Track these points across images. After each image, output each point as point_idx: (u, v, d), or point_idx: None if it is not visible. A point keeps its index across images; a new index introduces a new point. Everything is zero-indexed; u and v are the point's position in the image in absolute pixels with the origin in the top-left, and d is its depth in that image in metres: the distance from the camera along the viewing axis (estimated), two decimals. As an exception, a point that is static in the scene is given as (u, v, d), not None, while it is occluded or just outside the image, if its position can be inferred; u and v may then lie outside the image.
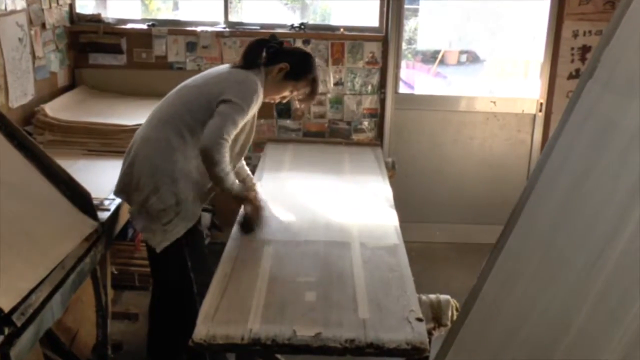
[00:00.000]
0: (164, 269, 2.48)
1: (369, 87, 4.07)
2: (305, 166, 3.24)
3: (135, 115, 3.32)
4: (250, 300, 1.92)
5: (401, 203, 2.99)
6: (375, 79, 4.05)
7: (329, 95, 4.08)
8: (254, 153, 3.99)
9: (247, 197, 2.39)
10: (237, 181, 2.34)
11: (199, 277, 2.45)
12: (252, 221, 2.41)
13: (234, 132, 2.28)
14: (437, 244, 4.25)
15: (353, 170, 3.21)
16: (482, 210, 4.27)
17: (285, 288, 2.01)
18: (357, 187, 2.94)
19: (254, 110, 2.38)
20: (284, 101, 2.60)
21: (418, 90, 4.51)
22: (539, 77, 4.15)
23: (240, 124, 2.31)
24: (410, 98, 4.25)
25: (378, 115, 4.13)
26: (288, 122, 4.13)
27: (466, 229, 4.29)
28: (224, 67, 2.50)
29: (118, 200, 2.53)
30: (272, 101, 2.58)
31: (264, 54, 2.46)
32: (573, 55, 4.02)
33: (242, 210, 2.45)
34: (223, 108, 2.26)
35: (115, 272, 3.27)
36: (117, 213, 2.52)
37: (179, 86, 2.50)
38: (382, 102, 4.10)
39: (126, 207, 2.55)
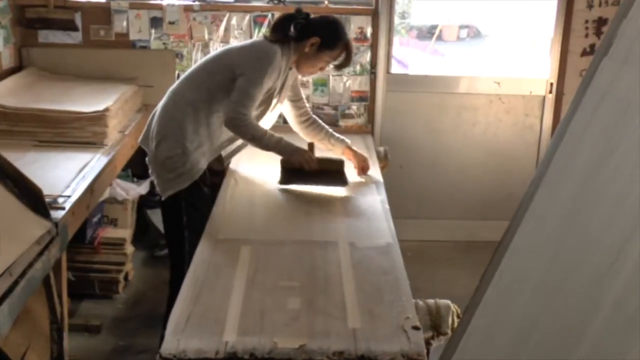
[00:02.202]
0: (164, 219, 2.86)
1: (358, 67, 4.07)
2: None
3: (92, 100, 3.29)
4: (225, 309, 1.91)
5: (395, 197, 2.99)
6: (364, 58, 4.05)
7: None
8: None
9: (295, 150, 2.75)
10: (274, 137, 2.71)
11: (192, 237, 2.62)
12: (291, 169, 2.75)
13: (254, 104, 2.68)
14: (436, 242, 4.27)
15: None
16: (486, 204, 4.29)
17: (265, 294, 2.01)
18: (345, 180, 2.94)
19: (271, 80, 2.72)
20: (323, 71, 2.99)
21: (413, 70, 4.52)
22: (548, 54, 4.17)
23: (259, 95, 2.68)
24: (404, 79, 4.25)
25: (368, 99, 4.12)
26: (267, 107, 4.12)
27: (469, 226, 4.31)
28: (257, 38, 2.96)
29: (74, 197, 2.52)
30: (311, 74, 3.19)
31: (292, 29, 2.76)
32: (587, 29, 4.04)
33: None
34: (239, 82, 2.66)
35: (72, 279, 3.25)
36: (74, 211, 2.50)
37: (219, 49, 3.13)
38: (373, 83, 4.10)
39: (83, 205, 2.60)
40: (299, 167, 2.75)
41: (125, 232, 3.62)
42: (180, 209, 2.73)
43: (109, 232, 3.58)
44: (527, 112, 4.24)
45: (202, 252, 2.25)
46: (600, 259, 1.29)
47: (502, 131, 4.26)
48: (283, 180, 2.82)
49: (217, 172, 2.92)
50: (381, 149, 3.56)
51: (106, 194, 3.52)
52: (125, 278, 3.60)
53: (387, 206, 2.67)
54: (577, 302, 1.33)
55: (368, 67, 4.07)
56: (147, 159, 2.83)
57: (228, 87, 2.69)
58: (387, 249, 2.31)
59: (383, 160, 3.46)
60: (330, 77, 4.06)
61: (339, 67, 2.92)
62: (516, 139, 4.27)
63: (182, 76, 2.88)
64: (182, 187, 2.69)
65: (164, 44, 3.96)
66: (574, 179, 1.50)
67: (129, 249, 3.60)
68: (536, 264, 1.51)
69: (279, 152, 2.76)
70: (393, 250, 2.30)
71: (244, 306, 1.93)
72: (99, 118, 3.16)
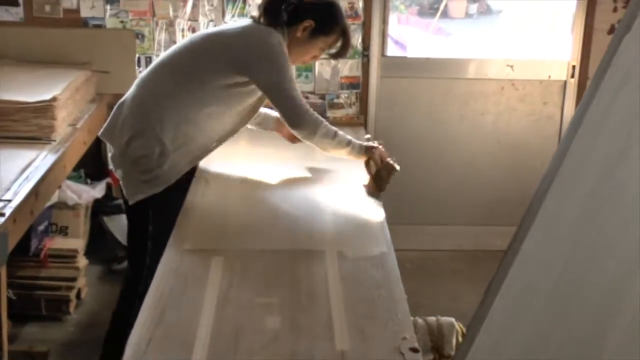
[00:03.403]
0: (129, 226, 2.93)
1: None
2: (265, 154, 3.25)
3: (37, 88, 3.30)
4: (194, 329, 1.93)
5: (391, 199, 3.02)
6: (355, 38, 4.08)
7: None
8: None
9: (369, 154, 2.83)
10: (350, 140, 2.79)
11: (156, 249, 2.63)
12: (380, 180, 2.80)
13: (298, 91, 2.72)
14: (438, 252, 4.31)
15: (328, 158, 3.22)
16: (497, 208, 4.34)
17: (239, 312, 2.03)
18: (333, 180, 2.97)
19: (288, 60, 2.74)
20: (316, 60, 3.06)
21: (412, 53, 4.55)
22: (570, 32, 4.21)
23: (292, 78, 2.73)
24: (403, 62, 4.29)
25: (360, 86, 4.16)
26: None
27: (477, 232, 4.36)
28: (245, 21, 2.88)
29: (16, 202, 2.53)
30: (303, 63, 3.15)
31: (283, 11, 2.76)
32: (615, 2, 4.08)
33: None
34: (267, 85, 2.69)
35: (14, 298, 3.25)
36: (15, 218, 2.52)
37: (196, 33, 3.03)
38: (366, 68, 4.13)
39: (26, 211, 2.61)
40: (379, 165, 2.82)
41: (77, 243, 3.63)
42: (147, 217, 2.74)
43: (58, 243, 3.59)
44: (546, 99, 4.29)
45: (166, 265, 2.27)
46: (619, 263, 1.32)
47: (516, 122, 4.30)
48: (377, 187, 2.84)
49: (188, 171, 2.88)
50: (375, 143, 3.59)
51: (54, 198, 3.53)
52: (78, 296, 3.61)
53: (381, 210, 2.70)
54: (595, 312, 1.36)
55: (360, 49, 4.10)
56: (110, 155, 2.87)
57: (229, 83, 2.70)
58: (381, 259, 2.33)
59: (377, 156, 3.48)
60: (317, 61, 4.08)
61: (335, 56, 2.96)
62: (532, 131, 4.31)
63: (156, 62, 2.85)
64: (155, 192, 2.70)
65: (122, 22, 3.97)
66: (590, 174, 1.53)
67: (82, 262, 3.62)
68: (548, 272, 1.54)
69: (357, 151, 2.84)
70: (388, 261, 2.32)
71: (216, 326, 1.95)
72: (44, 109, 3.17)
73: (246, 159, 3.19)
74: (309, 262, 2.31)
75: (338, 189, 2.89)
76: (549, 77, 4.25)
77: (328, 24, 2.81)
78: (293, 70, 2.82)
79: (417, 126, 4.28)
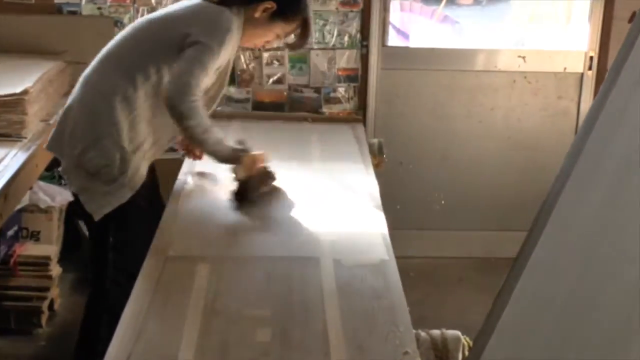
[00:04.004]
0: (90, 237, 2.90)
1: (346, 39, 4.11)
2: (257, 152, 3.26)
3: (7, 81, 3.29)
4: (177, 345, 1.93)
5: (392, 202, 3.03)
6: (353, 27, 4.09)
7: (288, 51, 4.10)
8: (182, 134, 4.02)
9: (240, 157, 2.71)
10: (221, 140, 2.67)
11: (119, 260, 2.70)
12: (249, 188, 2.71)
13: (205, 79, 2.60)
14: (444, 259, 4.32)
15: (324, 157, 3.24)
16: (508, 212, 4.35)
17: (227, 324, 2.03)
18: (329, 180, 2.98)
19: (227, 52, 2.70)
20: (268, 46, 3.00)
21: (416, 42, 4.55)
22: (587, 20, 4.23)
23: (212, 68, 2.63)
24: (405, 53, 4.30)
25: (359, 79, 4.17)
26: (232, 90, 4.15)
27: (486, 238, 4.37)
28: (194, 0, 2.79)
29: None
30: (255, 47, 3.10)
31: None
32: (638, -13, 4.10)
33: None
34: (189, 52, 2.59)
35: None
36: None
37: (138, 20, 2.93)
38: (365, 59, 4.14)
39: None
40: (250, 172, 2.74)
41: (50, 249, 3.63)
42: (107, 229, 2.74)
43: (29, 249, 3.60)
44: (560, 93, 4.30)
45: (147, 273, 2.27)
46: (638, 270, 1.33)
47: (529, 118, 4.32)
48: (241, 199, 2.76)
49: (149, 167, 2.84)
50: (375, 141, 3.60)
51: (25, 200, 3.53)
52: (50, 307, 3.62)
53: (382, 213, 2.71)
54: (612, 322, 1.37)
55: (358, 38, 4.11)
56: (61, 169, 2.77)
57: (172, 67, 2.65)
58: (381, 267, 2.33)
59: (377, 155, 3.49)
60: (312, 52, 4.10)
61: (290, 47, 2.94)
62: (546, 128, 4.33)
63: (98, 57, 2.78)
64: (122, 202, 2.66)
65: (99, 8, 3.98)
66: (606, 176, 1.54)
67: (55, 270, 3.62)
68: (561, 281, 1.55)
69: (225, 160, 2.71)
70: (389, 269, 2.33)
71: (201, 340, 1.95)
72: (15, 103, 3.17)
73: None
74: (302, 270, 2.31)
75: (334, 191, 2.90)
76: (565, 69, 4.27)
77: (290, 10, 2.77)
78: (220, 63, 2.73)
79: (420, 122, 4.29)
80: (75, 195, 2.75)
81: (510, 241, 4.04)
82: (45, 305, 3.54)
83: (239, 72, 4.11)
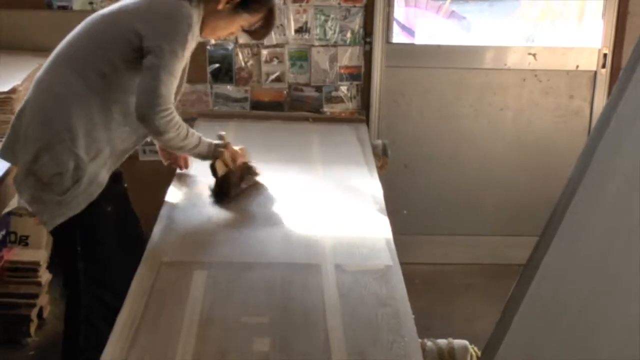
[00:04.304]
0: (55, 250, 2.85)
1: (348, 35, 4.12)
2: (255, 154, 3.26)
3: (-5, 79, 3.31)
4: (173, 351, 1.94)
5: (397, 206, 3.04)
6: (356, 23, 4.10)
7: (288, 48, 4.11)
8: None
9: (220, 152, 2.75)
10: (199, 140, 2.70)
11: (90, 270, 2.66)
12: (228, 185, 2.75)
13: (174, 84, 2.57)
14: (451, 265, 4.32)
15: (325, 159, 3.25)
16: (518, 216, 4.35)
17: (224, 333, 2.04)
18: (331, 184, 2.99)
19: (190, 50, 2.67)
20: (231, 37, 2.96)
21: (422, 39, 4.56)
22: (601, 15, 4.23)
23: (179, 72, 2.60)
24: (410, 51, 4.30)
25: (362, 77, 4.17)
26: (229, 89, 4.15)
27: (495, 244, 4.37)
28: None
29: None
30: (217, 39, 3.05)
31: None
32: (653, -18, 4.10)
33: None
34: (151, 61, 2.53)
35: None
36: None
37: (91, 15, 2.79)
38: (368, 56, 4.15)
39: None
40: (230, 167, 2.80)
41: (39, 254, 3.63)
42: (73, 238, 2.69)
43: (18, 254, 3.60)
44: (573, 92, 4.30)
45: (141, 280, 2.28)
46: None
47: (539, 118, 4.32)
48: (221, 196, 2.81)
49: (115, 175, 2.81)
50: (379, 142, 3.60)
51: (13, 204, 3.53)
52: (39, 316, 3.62)
53: (386, 218, 2.72)
54: (631, 332, 1.37)
55: (361, 35, 4.12)
56: (15, 175, 2.71)
57: (130, 64, 2.60)
58: (385, 274, 2.34)
59: (381, 157, 3.49)
60: (313, 49, 4.11)
61: (252, 34, 2.91)
62: (558, 129, 4.33)
63: (51, 57, 2.71)
64: (76, 212, 2.61)
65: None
66: (621, 178, 1.54)
67: (45, 276, 3.62)
68: (574, 287, 1.55)
69: (204, 152, 2.74)
70: (393, 275, 2.33)
71: (197, 349, 1.96)
72: (2, 102, 3.19)
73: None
74: (303, 276, 2.32)
75: (336, 194, 2.91)
76: (577, 67, 4.27)
77: (255, 1, 2.75)
78: (185, 63, 2.69)
79: (426, 123, 4.29)
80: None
81: (519, 247, 4.04)
82: (34, 313, 3.54)
83: (236, 70, 4.11)
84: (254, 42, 3.93)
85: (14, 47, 3.78)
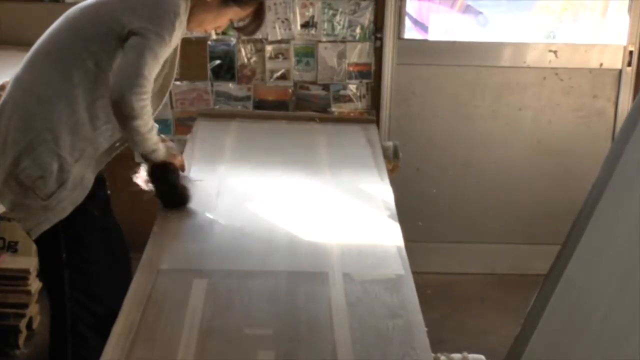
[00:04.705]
0: (39, 257, 2.80)
1: (357, 31, 4.12)
2: (258, 156, 3.27)
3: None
4: (170, 365, 1.95)
5: (408, 212, 3.03)
6: (366, 17, 4.10)
7: (294, 44, 4.12)
8: (175, 135, 4.02)
9: (172, 158, 2.74)
10: (160, 141, 2.65)
11: (76, 277, 2.64)
12: (186, 190, 2.75)
13: (156, 70, 2.54)
14: (466, 275, 4.32)
15: (333, 162, 3.24)
16: (537, 224, 4.36)
17: (226, 345, 2.03)
18: (338, 188, 2.99)
19: (177, 38, 2.64)
20: (219, 30, 3.02)
21: (435, 35, 4.56)
22: (627, 10, 4.23)
23: (163, 58, 2.57)
24: (423, 47, 4.30)
25: (372, 75, 4.18)
26: (231, 87, 4.16)
27: (513, 252, 4.38)
28: None
29: None
30: (204, 32, 3.00)
31: None
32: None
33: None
34: (136, 40, 2.52)
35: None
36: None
37: (71, 9, 2.75)
38: (378, 53, 4.15)
39: None
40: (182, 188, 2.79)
41: (28, 261, 3.63)
42: (57, 244, 2.67)
43: (6, 262, 3.61)
44: (596, 92, 4.30)
45: (137, 289, 2.27)
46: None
47: (561, 120, 4.32)
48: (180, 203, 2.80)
49: (98, 180, 2.77)
50: (390, 144, 3.60)
51: (1, 208, 3.54)
52: (29, 326, 3.62)
53: (397, 224, 2.71)
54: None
55: (371, 30, 4.12)
56: None
57: (114, 57, 2.58)
58: (396, 283, 2.34)
59: (392, 160, 3.49)
60: (320, 45, 4.11)
61: (243, 32, 2.94)
62: (580, 130, 4.33)
63: (30, 54, 2.69)
64: (62, 217, 2.61)
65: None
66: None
67: (35, 284, 3.62)
68: (599, 299, 1.55)
69: (158, 153, 2.68)
70: (405, 285, 2.33)
71: (197, 361, 1.97)
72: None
73: (233, 161, 3.20)
74: (309, 285, 2.32)
75: (344, 199, 2.91)
76: (601, 65, 4.27)
77: None
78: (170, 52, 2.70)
79: (439, 124, 4.29)
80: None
81: (539, 256, 4.05)
82: (23, 323, 3.55)
83: (238, 67, 4.12)
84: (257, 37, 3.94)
85: (4, 42, 3.80)
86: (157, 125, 2.63)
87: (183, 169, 2.85)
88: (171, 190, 2.75)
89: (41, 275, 2.91)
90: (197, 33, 3.25)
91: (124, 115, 2.47)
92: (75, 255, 2.68)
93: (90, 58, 2.59)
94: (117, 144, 2.74)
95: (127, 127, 2.51)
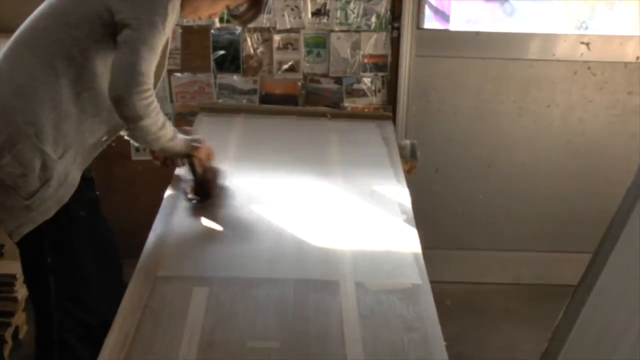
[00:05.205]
0: (22, 261, 2.78)
1: (373, 20, 4.12)
2: (264, 154, 3.28)
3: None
4: (168, 381, 1.95)
5: (427, 216, 3.03)
6: (382, 5, 4.10)
7: (304, 33, 4.12)
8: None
9: (194, 151, 2.75)
10: (177, 132, 2.67)
11: (62, 283, 2.64)
12: (209, 184, 2.79)
13: (155, 62, 2.52)
14: (489, 285, 4.31)
15: (345, 161, 3.24)
16: (566, 230, 4.35)
17: (228, 358, 2.04)
18: (351, 189, 2.99)
19: (171, 25, 2.63)
20: (214, 18, 2.99)
21: (457, 25, 4.55)
22: (665, -2, 4.23)
23: (160, 48, 2.55)
24: (444, 38, 4.30)
25: (388, 68, 4.17)
26: (235, 79, 4.16)
27: (540, 261, 4.37)
28: None
29: None
30: (198, 19, 3.03)
31: None
32: None
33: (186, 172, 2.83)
34: (128, 35, 2.49)
35: None
36: None
37: None
38: (396, 44, 4.15)
39: None
40: (205, 165, 2.84)
41: (15, 266, 3.63)
42: (41, 248, 2.68)
43: (-9, 266, 3.61)
44: (631, 88, 4.29)
45: (132, 297, 2.27)
46: None
47: (593, 117, 4.31)
48: (205, 196, 2.86)
49: (86, 179, 2.77)
50: (407, 142, 3.60)
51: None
52: (14, 336, 3.63)
53: (414, 229, 2.71)
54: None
55: (388, 19, 4.12)
56: None
57: (101, 45, 2.58)
58: (412, 294, 2.34)
59: (410, 160, 3.49)
60: (332, 34, 4.11)
61: (241, 21, 2.95)
62: (614, 130, 4.32)
63: (9, 43, 2.67)
64: (46, 218, 2.60)
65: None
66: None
67: (22, 291, 3.63)
68: (636, 310, 1.54)
69: (179, 148, 2.72)
70: (422, 296, 2.33)
71: (196, 377, 1.97)
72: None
73: (238, 160, 3.20)
74: (318, 295, 2.32)
75: (357, 201, 2.91)
76: (637, 58, 4.26)
77: None
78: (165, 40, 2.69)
79: (461, 121, 4.29)
80: None
81: (568, 265, 4.05)
82: (8, 333, 3.56)
83: (244, 58, 4.12)
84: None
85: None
86: (168, 121, 2.62)
87: (212, 158, 2.85)
88: (198, 186, 2.81)
89: (25, 281, 2.86)
90: (199, 21, 3.25)
91: (129, 117, 2.48)
92: (61, 260, 2.68)
93: (76, 45, 2.57)
94: (105, 138, 2.73)
95: (136, 129, 2.53)
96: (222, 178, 2.87)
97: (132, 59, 2.45)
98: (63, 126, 2.58)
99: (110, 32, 2.54)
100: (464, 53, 4.25)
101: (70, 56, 2.57)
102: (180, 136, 2.71)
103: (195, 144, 2.78)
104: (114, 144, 2.84)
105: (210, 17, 2.92)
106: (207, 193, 2.82)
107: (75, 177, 2.64)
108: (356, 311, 2.24)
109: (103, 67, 2.58)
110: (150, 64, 2.48)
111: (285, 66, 4.16)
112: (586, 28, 4.48)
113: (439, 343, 2.12)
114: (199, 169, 2.79)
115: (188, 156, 2.77)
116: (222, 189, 2.87)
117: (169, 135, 2.62)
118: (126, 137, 2.86)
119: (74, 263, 2.69)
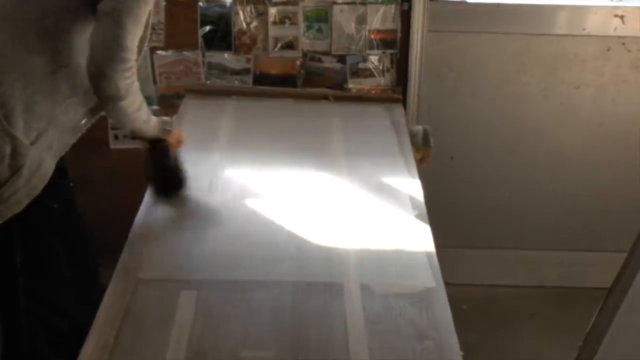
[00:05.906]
0: None
1: (381, -10, 4.13)
2: (259, 142, 3.28)
3: None
4: (152, 395, 1.96)
5: (442, 211, 3.03)
6: (392, -26, 4.11)
7: (303, 6, 4.12)
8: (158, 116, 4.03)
9: (167, 135, 2.78)
10: (150, 113, 2.71)
11: (33, 285, 2.65)
12: (177, 176, 2.82)
13: (139, 35, 2.55)
14: (510, 288, 4.32)
15: (350, 150, 3.25)
16: (597, 226, 4.36)
17: (218, 371, 2.05)
18: (356, 181, 3.00)
19: None
20: None
21: (475, -4, 4.57)
22: None
23: (144, 18, 2.57)
24: (461, 11, 4.30)
25: (398, 44, 4.18)
26: (226, 57, 4.17)
27: (567, 261, 4.38)
28: None
29: None
30: None
31: None
32: None
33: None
34: (109, 4, 2.49)
35: None
36: None
37: None
38: (406, 18, 4.15)
39: None
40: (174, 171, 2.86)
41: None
42: (10, 245, 2.69)
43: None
44: (671, 67, 4.30)
45: (112, 302, 2.29)
46: None
47: (628, 100, 4.31)
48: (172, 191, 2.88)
49: (59, 169, 2.76)
50: (419, 128, 3.61)
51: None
52: None
53: (427, 225, 2.72)
54: None
55: (398, -11, 4.13)
56: None
57: (76, 15, 2.59)
58: (425, 298, 2.35)
59: (422, 148, 3.50)
60: (334, 7, 4.11)
61: None
62: (651, 114, 4.33)
63: None
64: (16, 211, 2.59)
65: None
66: None
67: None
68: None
69: (156, 130, 2.77)
70: (436, 300, 2.34)
71: (184, 390, 1.98)
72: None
73: (230, 149, 3.21)
74: (320, 299, 2.33)
75: (364, 194, 2.92)
76: (678, 33, 4.27)
77: None
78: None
79: (479, 104, 4.29)
80: None
81: (599, 265, 4.07)
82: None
83: (235, 34, 4.12)
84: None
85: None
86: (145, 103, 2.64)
87: (180, 144, 2.86)
88: (161, 174, 2.80)
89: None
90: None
91: (108, 96, 2.50)
92: (31, 259, 2.69)
93: (48, 17, 2.58)
94: (84, 122, 2.74)
95: (112, 109, 2.56)
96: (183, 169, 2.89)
97: (115, 32, 2.46)
98: (35, 108, 2.56)
99: (87, 2, 2.54)
100: (483, 27, 4.24)
101: (42, 29, 2.57)
102: (154, 118, 2.73)
103: (167, 128, 2.80)
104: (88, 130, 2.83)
105: None
106: (177, 185, 2.84)
107: (49, 166, 2.64)
108: (362, 317, 2.26)
109: (80, 41, 2.58)
110: (135, 37, 2.51)
111: (282, 43, 4.16)
112: (620, -1, 4.49)
113: (454, 352, 2.14)
114: (162, 156, 2.80)
115: (156, 140, 2.78)
116: (184, 181, 2.88)
117: (145, 117, 2.65)
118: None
119: (46, 262, 2.70)
